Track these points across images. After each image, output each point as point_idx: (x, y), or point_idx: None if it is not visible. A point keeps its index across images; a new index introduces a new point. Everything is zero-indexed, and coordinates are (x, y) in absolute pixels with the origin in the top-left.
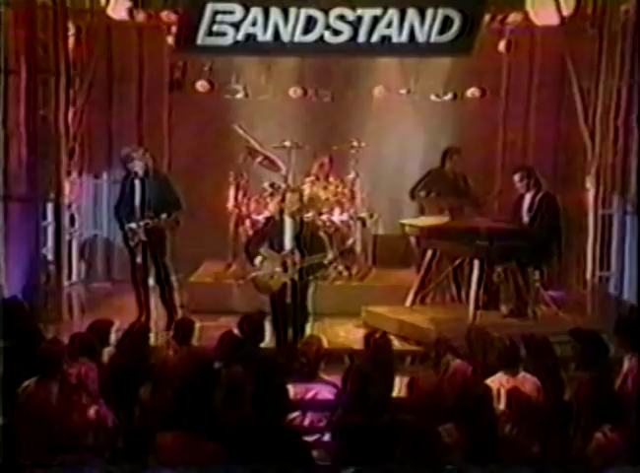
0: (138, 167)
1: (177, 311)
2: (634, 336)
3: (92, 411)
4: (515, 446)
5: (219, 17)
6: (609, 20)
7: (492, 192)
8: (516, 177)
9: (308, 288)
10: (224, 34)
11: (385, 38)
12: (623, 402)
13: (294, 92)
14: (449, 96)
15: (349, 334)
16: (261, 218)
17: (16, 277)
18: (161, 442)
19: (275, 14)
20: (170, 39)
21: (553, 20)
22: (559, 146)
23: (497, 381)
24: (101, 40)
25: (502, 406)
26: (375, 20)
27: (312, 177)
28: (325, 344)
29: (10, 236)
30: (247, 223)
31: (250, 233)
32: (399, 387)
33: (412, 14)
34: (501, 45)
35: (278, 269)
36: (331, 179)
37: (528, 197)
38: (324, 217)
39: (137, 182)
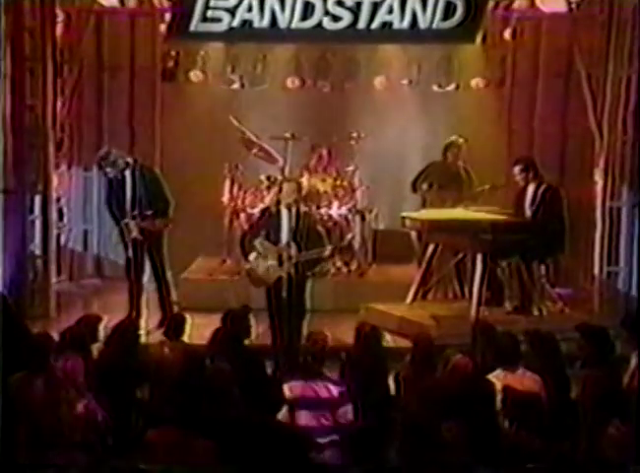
0: (118, 166)
1: (172, 309)
2: None
3: (80, 406)
4: (515, 445)
5: (213, 2)
6: (619, 6)
7: (493, 185)
8: (516, 169)
9: (305, 283)
10: (218, 21)
11: (386, 25)
12: (631, 399)
13: (292, 82)
14: (452, 86)
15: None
16: (257, 211)
17: (1, 273)
18: (152, 439)
19: None
20: (163, 26)
21: (561, 6)
22: (566, 137)
23: (496, 378)
24: (91, 28)
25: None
26: (375, 5)
27: (310, 170)
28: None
29: None
30: (242, 217)
31: (246, 227)
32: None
33: None
34: (506, 33)
35: (273, 262)
36: (329, 172)
37: (530, 190)
38: (322, 211)
39: (127, 175)
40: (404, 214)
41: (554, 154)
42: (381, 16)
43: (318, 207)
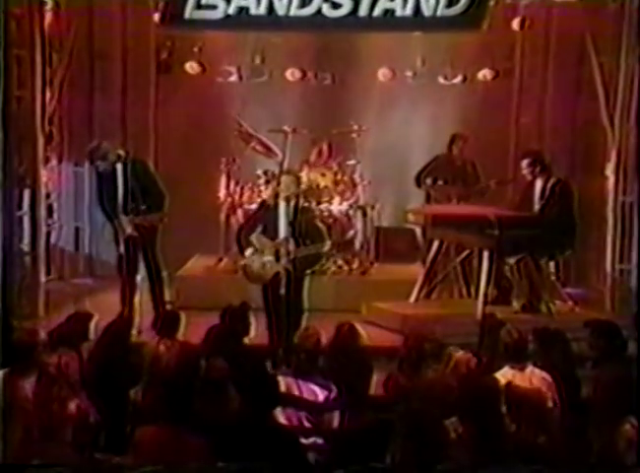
0: (108, 159)
1: (165, 308)
2: None
3: (72, 405)
4: (522, 443)
5: None
6: None
7: (500, 179)
8: (523, 163)
9: (303, 280)
10: (214, 8)
11: (388, 12)
12: None
13: (292, 74)
14: (458, 78)
15: None
16: (254, 207)
17: None
18: (145, 437)
19: None
20: (157, 15)
21: None
22: (577, 131)
23: (503, 376)
24: (81, 15)
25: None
26: None
27: (310, 164)
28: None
29: None
30: (239, 213)
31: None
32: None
33: None
34: (515, 23)
35: (270, 258)
36: (330, 166)
37: (539, 184)
38: (322, 206)
39: (118, 169)
40: (407, 208)
41: (564, 147)
42: (383, 3)
43: (318, 203)
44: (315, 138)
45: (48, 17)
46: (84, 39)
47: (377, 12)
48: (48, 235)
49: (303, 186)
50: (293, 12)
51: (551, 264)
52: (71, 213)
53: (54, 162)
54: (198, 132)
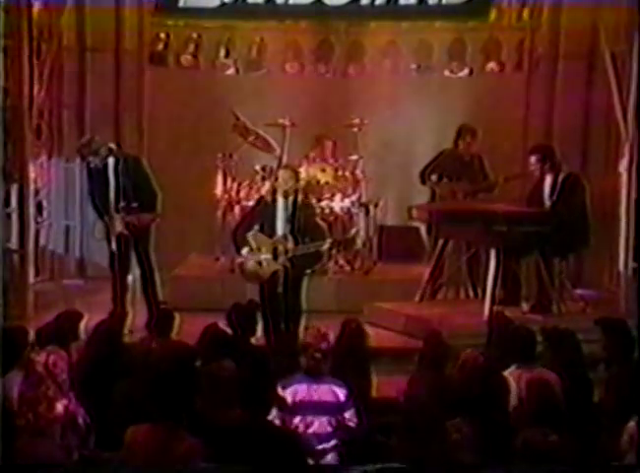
0: (100, 154)
1: (159, 307)
2: None
3: (60, 406)
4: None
5: None
6: None
7: (508, 175)
8: (532, 159)
9: (302, 279)
10: None
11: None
12: None
13: (291, 67)
14: (465, 71)
15: None
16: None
17: None
18: (137, 438)
19: None
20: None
21: None
22: (589, 125)
23: (510, 375)
24: (71, 4)
25: (514, 401)
26: None
27: (309, 160)
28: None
29: None
30: (237, 210)
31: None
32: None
33: None
34: (524, 13)
35: (267, 256)
36: (331, 161)
37: (549, 179)
38: (323, 203)
39: (110, 164)
40: (411, 205)
41: (575, 143)
42: None
43: (319, 199)
44: (319, 136)
45: (37, 5)
46: (74, 30)
47: None
48: (37, 233)
49: (302, 182)
50: None
51: (562, 263)
52: (61, 211)
53: (43, 157)
54: (194, 127)
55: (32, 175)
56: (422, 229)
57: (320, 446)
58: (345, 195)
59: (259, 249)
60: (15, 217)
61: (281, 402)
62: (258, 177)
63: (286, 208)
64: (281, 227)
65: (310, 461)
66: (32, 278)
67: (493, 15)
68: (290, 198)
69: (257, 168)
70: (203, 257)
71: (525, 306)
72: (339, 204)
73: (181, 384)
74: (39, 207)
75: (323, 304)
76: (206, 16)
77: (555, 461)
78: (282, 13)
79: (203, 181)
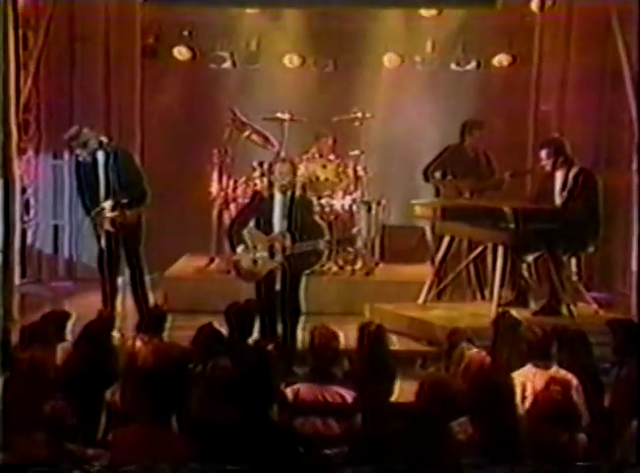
0: (89, 146)
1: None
2: None
3: (46, 407)
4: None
5: None
6: None
7: (515, 170)
8: (542, 153)
9: (300, 279)
10: None
11: None
12: None
13: (290, 60)
14: (472, 64)
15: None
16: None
17: None
18: (124, 437)
19: None
20: None
21: None
22: (601, 121)
23: (524, 375)
24: None
25: (528, 402)
26: None
27: (310, 156)
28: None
29: None
30: (233, 208)
31: None
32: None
33: None
34: (534, 4)
35: (264, 253)
36: (331, 157)
37: (560, 175)
38: (323, 201)
39: (100, 158)
40: (414, 201)
41: (587, 138)
42: None
43: (319, 197)
44: (319, 132)
45: None
46: (62, 19)
47: None
48: (24, 233)
49: (302, 179)
50: None
51: (573, 263)
52: (49, 210)
53: (30, 153)
54: (188, 122)
55: (18, 172)
56: (427, 229)
57: (324, 449)
58: (346, 193)
59: (254, 247)
60: None
61: (283, 401)
62: (255, 174)
63: (283, 204)
64: (277, 223)
65: (310, 462)
66: (17, 280)
67: (500, 4)
68: (288, 193)
69: (254, 164)
70: (197, 258)
71: (534, 307)
72: (339, 202)
73: (173, 385)
74: (26, 205)
75: (322, 306)
76: (198, 2)
77: (566, 460)
78: (280, 2)
79: (197, 179)
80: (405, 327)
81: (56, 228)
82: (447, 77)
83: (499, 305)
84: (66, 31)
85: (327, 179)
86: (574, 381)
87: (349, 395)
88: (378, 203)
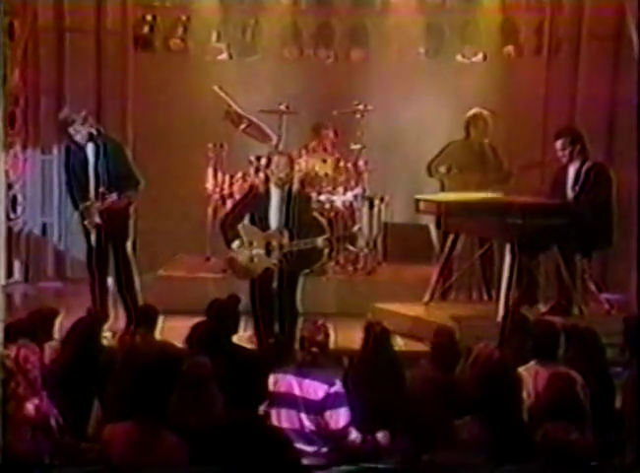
0: (81, 133)
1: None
2: None
3: (30, 406)
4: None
5: None
6: None
7: (523, 164)
8: (558, 143)
9: (298, 278)
10: None
11: None
12: None
13: (289, 52)
14: (479, 56)
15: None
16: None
17: None
18: (114, 434)
19: None
20: None
21: None
22: (614, 114)
23: (528, 371)
24: None
25: (530, 398)
26: None
27: (309, 150)
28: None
29: None
30: (229, 204)
31: None
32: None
33: None
34: None
35: (260, 250)
36: (330, 151)
37: (572, 169)
38: (323, 197)
39: (89, 151)
40: (418, 196)
41: (600, 132)
42: None
43: (319, 193)
44: (317, 125)
45: None
46: (51, 8)
47: None
48: (10, 231)
49: (301, 174)
50: None
51: (585, 260)
52: (38, 207)
53: (18, 147)
54: (182, 115)
55: (4, 167)
56: (431, 227)
57: (297, 444)
58: (347, 188)
59: (250, 243)
60: None
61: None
62: (252, 170)
63: (280, 199)
64: (274, 219)
65: (294, 461)
66: (3, 280)
67: None
68: (285, 188)
69: (251, 158)
70: (192, 257)
71: (543, 307)
72: (340, 198)
73: (163, 383)
74: (13, 202)
75: (321, 307)
76: None
77: (574, 458)
78: None
79: (192, 174)
80: (408, 328)
81: (44, 225)
82: (453, 69)
83: (507, 305)
84: (55, 21)
85: (326, 174)
86: (579, 379)
87: (321, 390)
88: (381, 199)
